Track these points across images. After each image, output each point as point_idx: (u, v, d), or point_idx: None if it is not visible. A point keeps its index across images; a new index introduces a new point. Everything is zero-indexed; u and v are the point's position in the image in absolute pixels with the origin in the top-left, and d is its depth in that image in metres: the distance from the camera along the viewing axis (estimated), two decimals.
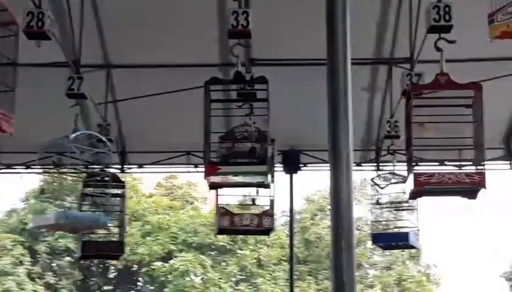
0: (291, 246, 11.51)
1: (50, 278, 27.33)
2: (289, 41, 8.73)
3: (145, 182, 28.25)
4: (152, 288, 27.95)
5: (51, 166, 8.23)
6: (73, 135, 7.43)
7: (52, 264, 27.61)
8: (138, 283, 28.70)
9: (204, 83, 6.81)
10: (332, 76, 4.39)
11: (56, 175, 8.35)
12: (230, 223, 8.47)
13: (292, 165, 10.58)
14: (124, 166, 10.78)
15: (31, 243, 27.02)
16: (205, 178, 6.86)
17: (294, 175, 10.70)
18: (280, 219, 25.66)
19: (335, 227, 4.17)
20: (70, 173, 8.34)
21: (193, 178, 27.68)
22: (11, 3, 5.35)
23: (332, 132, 4.30)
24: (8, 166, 10.90)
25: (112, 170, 9.72)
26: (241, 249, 27.21)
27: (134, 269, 27.79)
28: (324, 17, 4.46)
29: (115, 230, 9.35)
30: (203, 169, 6.95)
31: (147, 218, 27.40)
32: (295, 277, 11.77)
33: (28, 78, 6.62)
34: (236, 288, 26.77)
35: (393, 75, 9.08)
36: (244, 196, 10.54)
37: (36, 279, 26.97)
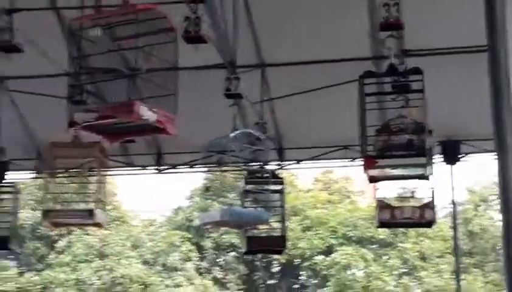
0: (455, 237, 11.25)
1: (217, 273, 28.19)
2: (442, 30, 8.51)
3: (302, 178, 28.48)
4: (315, 281, 28.14)
5: (213, 165, 8.51)
6: (233, 134, 7.66)
7: (218, 260, 28.45)
8: (301, 277, 28.99)
9: (358, 77, 6.81)
10: (493, 63, 4.25)
11: (218, 173, 8.63)
12: (391, 216, 8.42)
13: (451, 155, 10.32)
14: (282, 162, 10.94)
15: (198, 239, 27.99)
16: (364, 172, 6.86)
17: (454, 166, 10.43)
18: (441, 211, 25.04)
19: (505, 221, 4.02)
20: (231, 171, 8.61)
21: (350, 172, 27.57)
22: (169, 10, 5.59)
23: (496, 121, 4.15)
24: (173, 166, 11.36)
25: (271, 167, 9.92)
26: (402, 242, 26.81)
27: (297, 263, 28.08)
28: (479, 2, 4.34)
29: (277, 225, 9.53)
30: (360, 163, 6.94)
31: (306, 213, 27.60)
32: (460, 269, 11.48)
33: (188, 81, 6.87)
34: (400, 281, 26.39)
35: None
36: (403, 188, 10.40)
37: (204, 274, 27.91)
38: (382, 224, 8.81)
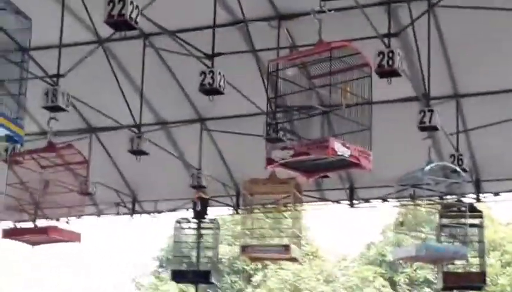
0: None
1: None
2: None
3: (500, 210, 27.31)
4: None
5: (407, 199, 8.42)
6: (428, 167, 7.54)
7: None
8: None
9: None
10: None
11: (412, 207, 8.52)
12: None
13: None
14: (479, 195, 10.60)
15: (391, 275, 27.58)
16: None
17: None
18: None
19: None
20: (426, 204, 8.46)
21: None
22: (363, 46, 5.66)
23: None
24: (366, 200, 11.36)
25: (467, 200, 9.64)
26: None
27: None
28: None
29: (475, 260, 9.22)
30: None
31: (505, 247, 26.37)
32: None
33: (382, 114, 6.89)
34: None
35: None
36: None
37: None
38: None
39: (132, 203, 12.16)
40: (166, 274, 23.13)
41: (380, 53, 6.55)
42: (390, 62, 6.48)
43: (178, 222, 10.65)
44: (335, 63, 5.51)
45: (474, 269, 9.20)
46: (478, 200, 10.60)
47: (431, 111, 7.59)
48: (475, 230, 9.28)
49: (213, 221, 10.55)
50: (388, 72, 6.54)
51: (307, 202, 10.56)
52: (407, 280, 27.58)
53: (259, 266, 27.27)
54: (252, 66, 8.97)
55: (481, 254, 9.29)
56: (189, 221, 10.60)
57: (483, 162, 10.25)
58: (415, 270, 26.96)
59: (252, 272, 28.56)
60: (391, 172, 8.17)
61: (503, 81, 8.92)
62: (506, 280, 25.67)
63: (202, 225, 10.58)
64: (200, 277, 10.54)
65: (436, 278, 10.59)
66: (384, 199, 11.04)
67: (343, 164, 5.72)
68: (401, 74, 6.64)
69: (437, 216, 9.04)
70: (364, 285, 27.27)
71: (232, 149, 10.82)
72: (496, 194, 10.73)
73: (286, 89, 5.81)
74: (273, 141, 5.85)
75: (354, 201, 11.36)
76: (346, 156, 5.48)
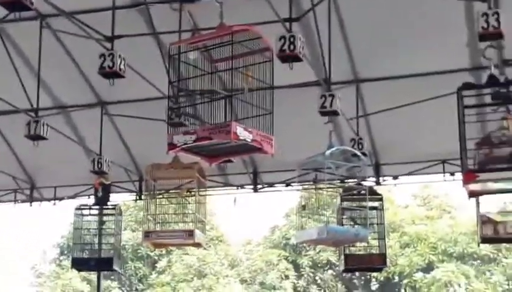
0: None
1: (315, 291, 28.07)
2: None
3: (399, 193, 28.08)
4: None
5: (309, 183, 8.51)
6: (329, 151, 7.63)
7: (316, 278, 28.34)
8: None
9: (457, 89, 6.67)
10: None
11: (314, 191, 8.62)
12: (493, 232, 8.16)
13: None
14: (379, 178, 10.83)
15: (295, 257, 27.97)
16: (463, 186, 6.69)
17: None
18: None
19: None
20: (327, 188, 8.57)
21: (449, 187, 27.01)
22: (264, 30, 5.65)
23: None
24: (269, 184, 11.43)
25: (367, 183, 9.83)
26: (506, 258, 25.99)
27: (395, 280, 27.64)
28: None
29: (375, 242, 9.42)
30: (460, 177, 6.78)
31: (404, 229, 27.17)
32: None
33: (284, 99, 6.92)
34: None
35: None
36: (505, 203, 10.09)
37: None
38: (485, 240, 8.54)
39: (31, 190, 11.88)
40: (68, 262, 22.75)
41: (282, 37, 6.56)
42: (292, 47, 6.49)
43: (78, 208, 10.45)
44: (237, 47, 5.49)
45: (375, 251, 9.39)
46: (378, 183, 10.83)
47: (332, 95, 7.68)
48: (375, 212, 9.47)
49: (115, 207, 10.40)
50: (289, 57, 6.55)
51: (211, 187, 10.54)
52: (310, 263, 28.04)
53: (164, 251, 27.12)
54: (153, 49, 8.85)
55: (382, 236, 9.49)
56: (90, 208, 10.42)
57: (382, 146, 10.47)
58: (318, 253, 27.44)
59: (156, 258, 28.38)
60: (293, 156, 8.23)
61: (402, 67, 9.11)
62: (405, 260, 26.47)
63: (104, 211, 10.42)
64: (102, 264, 10.39)
65: (338, 260, 10.77)
66: (287, 184, 11.14)
67: (246, 149, 5.72)
68: (302, 59, 6.67)
69: (338, 199, 9.18)
70: (268, 268, 27.56)
71: (134, 134, 10.68)
72: (395, 177, 10.99)
73: (188, 73, 5.75)
74: (175, 125, 5.77)
75: (258, 186, 11.42)
76: (249, 140, 5.48)
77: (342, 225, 9.06)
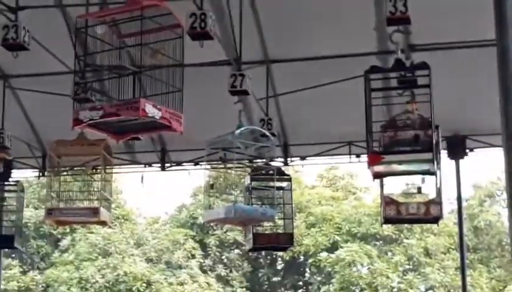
0: (461, 233, 11.19)
1: (221, 271, 28.18)
2: (449, 24, 8.48)
3: (306, 174, 28.46)
4: (319, 278, 28.12)
5: (218, 162, 8.49)
6: (238, 131, 7.62)
7: (222, 257, 28.45)
8: (305, 274, 28.98)
9: (364, 72, 6.77)
10: (501, 57, 4.22)
11: (223, 170, 8.61)
12: (396, 212, 8.36)
13: (457, 151, 10.28)
14: (287, 159, 10.92)
15: (201, 237, 27.99)
16: (368, 168, 6.82)
17: (460, 161, 10.40)
18: (447, 207, 24.98)
19: None
20: (236, 167, 8.58)
21: (354, 168, 27.54)
22: (175, 7, 5.57)
23: (504, 115, 4.14)
24: (178, 163, 11.36)
25: (276, 164, 9.89)
26: (407, 238, 26.78)
27: (301, 260, 28.08)
28: None
29: (282, 222, 9.50)
30: (365, 159, 6.91)
31: (310, 210, 27.59)
32: (465, 265, 11.42)
33: (193, 77, 6.86)
34: (404, 277, 26.37)
35: None
36: (408, 184, 10.36)
37: (207, 271, 27.91)
38: (388, 221, 8.75)
39: None
40: None
41: (193, 14, 6.48)
42: (202, 24, 6.43)
43: None
44: (147, 23, 5.39)
45: (282, 231, 9.47)
46: (286, 164, 10.92)
47: (242, 75, 7.67)
48: (283, 193, 9.54)
49: (16, 183, 10.12)
50: (200, 35, 6.49)
51: (117, 164, 10.38)
52: (217, 242, 28.11)
53: (68, 230, 26.61)
54: (59, 22, 8.59)
55: (289, 216, 9.58)
56: None
57: (291, 127, 10.55)
58: (225, 232, 27.53)
59: (59, 236, 27.83)
60: (203, 135, 8.18)
61: (311, 49, 9.18)
62: (310, 240, 26.90)
63: (5, 188, 10.12)
64: (3, 241, 10.11)
65: (245, 239, 10.82)
66: (196, 162, 11.08)
67: (154, 126, 5.65)
68: (213, 37, 6.62)
69: (247, 179, 9.20)
70: (175, 248, 27.46)
71: (38, 109, 10.38)
72: (303, 158, 11.11)
73: (96, 48, 5.61)
74: (81, 101, 5.63)
75: (166, 164, 11.32)
76: (157, 117, 5.42)
77: (250, 205, 9.08)
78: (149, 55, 5.46)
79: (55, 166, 8.88)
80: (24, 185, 10.53)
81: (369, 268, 26.21)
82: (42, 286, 26.97)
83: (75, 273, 26.76)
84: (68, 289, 26.36)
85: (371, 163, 6.78)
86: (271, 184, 8.72)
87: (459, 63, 8.84)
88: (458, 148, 10.24)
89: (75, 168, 9.36)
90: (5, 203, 10.06)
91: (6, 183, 10.08)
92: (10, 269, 26.40)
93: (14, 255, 26.42)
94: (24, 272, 27.37)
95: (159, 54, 5.42)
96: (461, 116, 9.73)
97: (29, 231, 26.57)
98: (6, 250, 11.23)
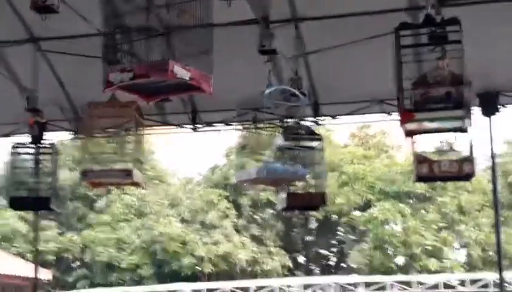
0: (495, 190, 11.12)
1: (255, 230, 28.40)
2: None
3: (338, 133, 28.41)
4: (353, 237, 28.23)
5: (248, 123, 8.51)
6: (268, 91, 7.62)
7: (255, 217, 28.64)
8: (338, 233, 29.09)
9: (394, 28, 6.70)
10: None
11: (253, 130, 8.62)
12: (429, 170, 8.31)
13: (490, 107, 10.17)
14: (318, 118, 10.89)
15: (235, 197, 28.18)
16: (400, 126, 6.79)
17: (493, 117, 10.29)
18: (480, 164, 24.81)
19: None
20: (266, 127, 8.60)
21: (386, 126, 27.42)
22: None
23: None
24: (209, 124, 11.39)
25: (307, 123, 9.88)
26: (440, 196, 26.71)
27: (334, 219, 28.17)
28: None
29: (315, 182, 9.51)
30: (397, 117, 6.87)
31: (343, 169, 27.60)
32: (500, 222, 11.35)
33: (222, 37, 6.84)
34: (438, 235, 26.36)
35: None
36: (441, 142, 10.29)
37: (241, 231, 28.14)
38: (420, 178, 8.70)
39: None
40: (5, 202, 22.46)
41: None
42: None
43: (14, 147, 10.23)
44: None
45: (313, 190, 9.48)
46: (317, 123, 10.89)
47: (271, 34, 7.63)
48: (314, 152, 9.53)
49: (51, 145, 10.23)
50: None
51: (149, 126, 10.44)
52: (250, 202, 28.30)
53: (103, 191, 27.02)
54: None
55: (321, 176, 9.58)
56: (26, 146, 10.22)
57: (321, 86, 10.49)
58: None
59: (95, 197, 28.25)
60: (233, 96, 8.19)
61: (340, 6, 9.09)
62: (342, 199, 26.95)
63: (40, 150, 10.23)
64: (40, 203, 10.24)
65: (277, 199, 10.86)
66: (227, 123, 11.10)
67: (184, 87, 5.66)
68: None
69: (278, 139, 9.21)
70: (209, 208, 27.71)
71: (69, 71, 10.44)
72: (334, 117, 11.07)
73: (124, 9, 5.62)
74: (111, 63, 5.66)
75: (197, 125, 11.36)
76: (187, 79, 5.43)
77: (282, 165, 9.10)
78: (178, 15, 5.46)
79: (88, 129, 8.96)
80: (58, 147, 10.64)
81: (403, 226, 26.23)
82: (80, 247, 27.47)
83: (112, 234, 27.19)
84: (105, 249, 26.82)
85: (403, 121, 6.75)
86: (302, 143, 8.71)
87: (491, 17, 8.70)
88: (490, 104, 10.13)
89: (108, 130, 9.43)
90: (41, 165, 10.19)
91: (41, 146, 10.19)
92: (48, 231, 26.93)
93: (51, 217, 26.92)
94: (62, 234, 27.88)
95: (186, 14, 5.41)
96: (493, 72, 9.60)
97: (65, 193, 27.02)
98: (43, 211, 11.36)
